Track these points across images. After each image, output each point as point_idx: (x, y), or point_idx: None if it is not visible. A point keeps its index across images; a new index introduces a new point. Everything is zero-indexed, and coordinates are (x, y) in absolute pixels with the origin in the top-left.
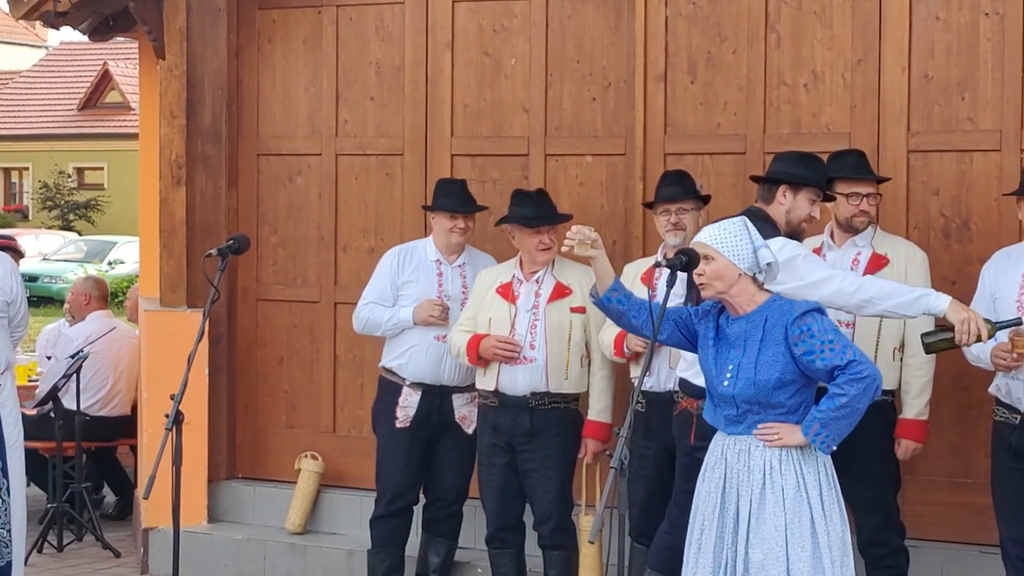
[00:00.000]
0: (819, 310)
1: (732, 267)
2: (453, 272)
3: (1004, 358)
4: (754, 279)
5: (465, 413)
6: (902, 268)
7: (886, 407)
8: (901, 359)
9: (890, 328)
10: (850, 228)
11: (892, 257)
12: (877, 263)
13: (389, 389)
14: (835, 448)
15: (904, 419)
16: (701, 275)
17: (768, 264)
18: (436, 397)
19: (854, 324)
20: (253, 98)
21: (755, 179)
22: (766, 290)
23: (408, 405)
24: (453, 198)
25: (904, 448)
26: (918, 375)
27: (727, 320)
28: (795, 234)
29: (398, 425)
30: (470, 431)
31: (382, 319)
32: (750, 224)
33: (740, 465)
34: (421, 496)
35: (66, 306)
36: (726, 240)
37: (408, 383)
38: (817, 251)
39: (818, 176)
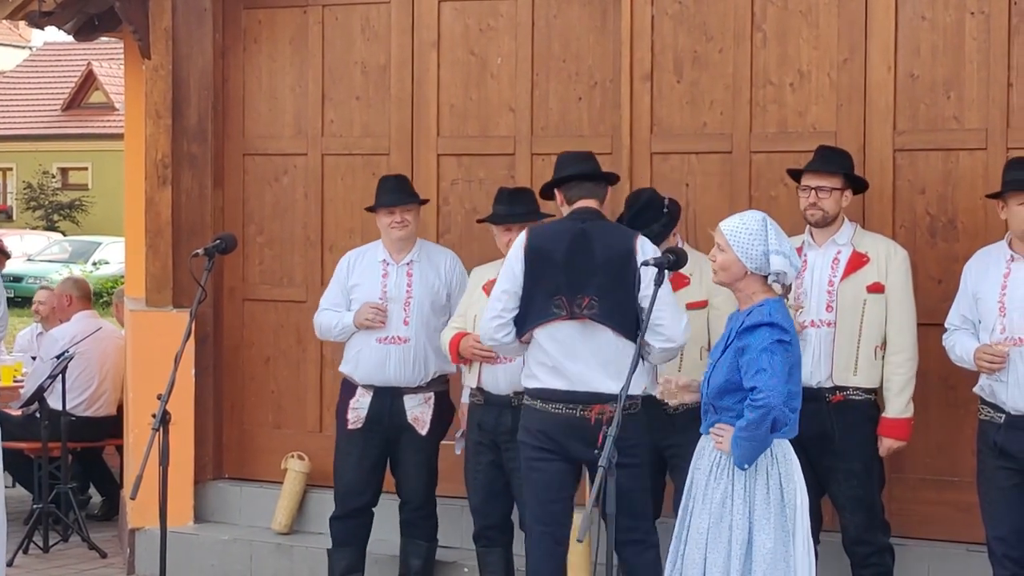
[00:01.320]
0: (772, 324)
1: (739, 263)
2: (399, 271)
3: (988, 360)
4: (764, 279)
5: (418, 414)
6: (882, 266)
7: (869, 406)
8: (883, 357)
9: (871, 326)
10: (806, 221)
11: (872, 255)
12: (857, 261)
13: (346, 390)
14: (747, 466)
15: (886, 417)
16: (714, 260)
17: (780, 272)
18: (387, 398)
19: (835, 323)
20: (239, 98)
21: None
22: (771, 292)
23: (359, 406)
24: (387, 194)
25: (887, 446)
26: (899, 372)
27: (736, 313)
28: None
29: (349, 426)
30: (424, 432)
31: (332, 325)
32: (771, 224)
33: (698, 463)
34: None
35: (36, 306)
36: (740, 235)
37: (361, 385)
38: (798, 251)
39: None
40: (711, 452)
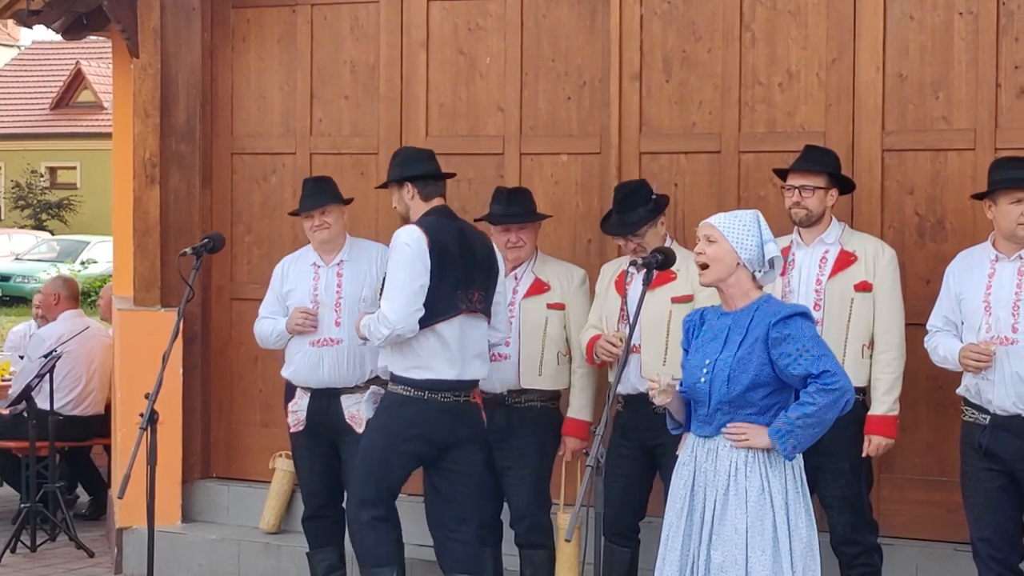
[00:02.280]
0: (805, 314)
1: (733, 254)
2: (330, 273)
3: (975, 359)
4: (752, 276)
5: (354, 412)
6: (870, 265)
7: (857, 405)
8: (870, 356)
9: (859, 325)
10: (792, 221)
11: (860, 254)
12: (845, 260)
13: (288, 394)
14: (799, 454)
15: (873, 415)
16: (701, 254)
17: (773, 261)
18: (324, 399)
19: (822, 321)
20: (227, 97)
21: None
22: (760, 288)
23: (298, 409)
24: (305, 198)
25: (874, 445)
26: (887, 371)
27: (715, 314)
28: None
29: (291, 430)
30: (360, 430)
31: (268, 333)
32: (762, 219)
33: (708, 464)
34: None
35: (35, 308)
36: (734, 227)
37: (300, 387)
38: (786, 250)
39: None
40: (728, 451)
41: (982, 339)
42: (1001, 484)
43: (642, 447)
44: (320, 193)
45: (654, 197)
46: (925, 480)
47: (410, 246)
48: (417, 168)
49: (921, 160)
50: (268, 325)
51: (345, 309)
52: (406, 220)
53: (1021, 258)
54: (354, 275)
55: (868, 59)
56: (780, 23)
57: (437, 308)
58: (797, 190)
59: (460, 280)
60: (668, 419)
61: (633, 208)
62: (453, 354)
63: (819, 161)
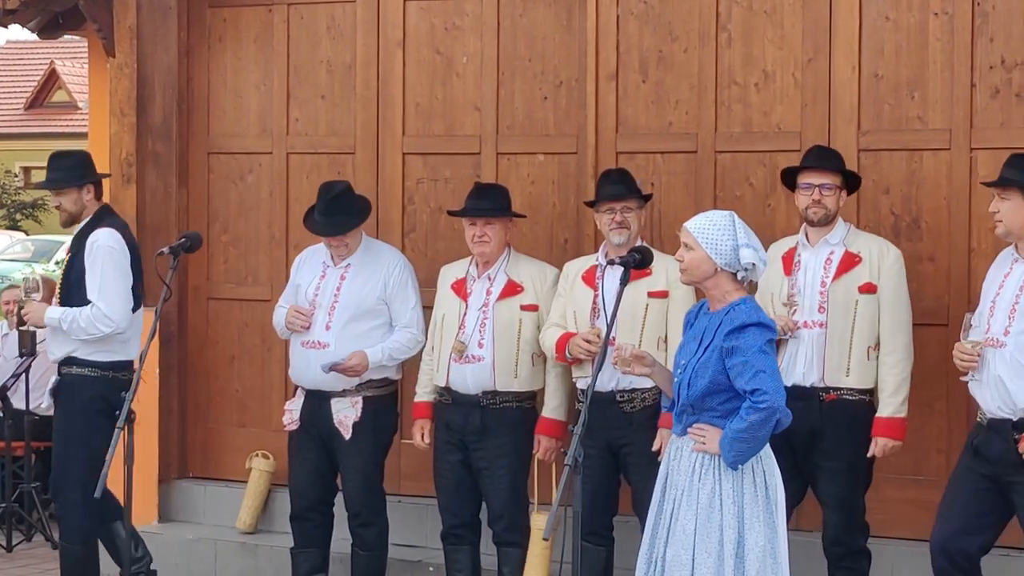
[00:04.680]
0: (760, 325)
1: (709, 260)
2: (335, 274)
3: (959, 359)
4: (735, 276)
5: (342, 418)
6: (875, 266)
7: (863, 406)
8: (877, 357)
9: (863, 327)
10: (807, 220)
11: (865, 255)
12: (849, 262)
13: (292, 392)
14: (740, 466)
15: (880, 417)
16: (680, 260)
17: (751, 264)
18: (316, 401)
19: (826, 324)
20: (204, 96)
21: None
22: (743, 290)
23: (293, 408)
24: (322, 216)
25: (881, 447)
26: (894, 373)
27: (704, 312)
28: None
29: (286, 428)
30: (347, 436)
31: (277, 323)
32: (738, 221)
33: (675, 462)
34: None
35: (4, 308)
36: (708, 232)
37: (297, 386)
38: (792, 250)
39: None
40: (688, 453)
41: (975, 338)
42: (983, 487)
43: (607, 446)
44: (343, 213)
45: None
46: (901, 479)
47: (115, 248)
48: (95, 169)
49: (897, 160)
50: (279, 314)
51: (338, 314)
52: (75, 221)
53: None
54: (358, 280)
55: (844, 59)
56: (756, 23)
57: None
58: (817, 188)
59: (139, 273)
60: (662, 396)
61: (613, 183)
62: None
63: (833, 160)
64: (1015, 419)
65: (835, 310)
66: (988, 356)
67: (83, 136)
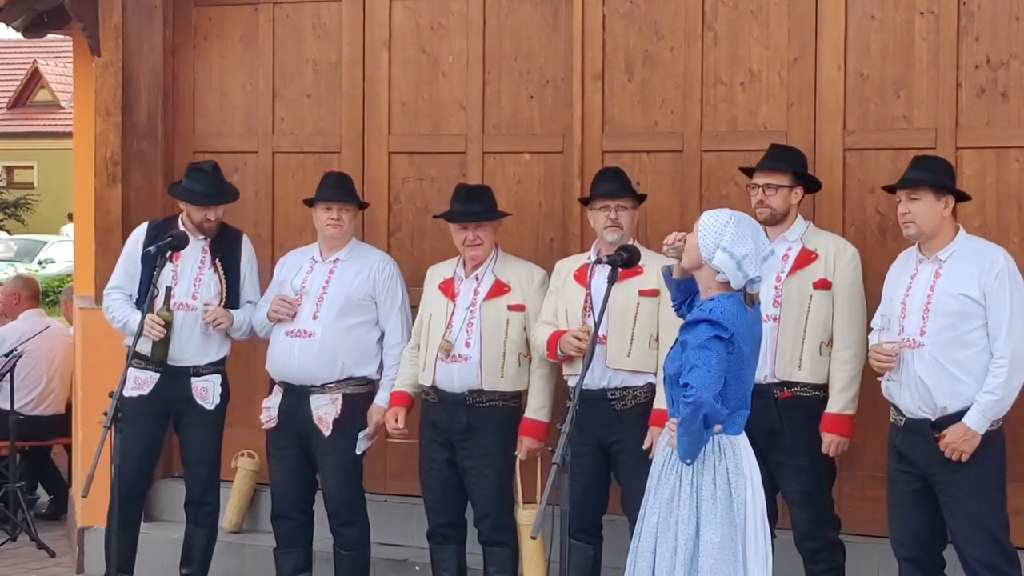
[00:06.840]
0: (709, 322)
1: (697, 249)
2: (323, 268)
3: (877, 360)
4: (717, 273)
5: (321, 415)
6: (831, 263)
7: (818, 402)
8: (829, 353)
9: (816, 322)
10: (757, 220)
11: (821, 252)
12: (806, 258)
13: (269, 390)
14: (690, 461)
15: (828, 413)
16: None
17: (721, 269)
18: (294, 397)
19: (779, 318)
20: (189, 95)
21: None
22: (722, 287)
23: (270, 405)
24: (327, 189)
25: (828, 443)
26: (845, 369)
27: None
28: None
29: (264, 427)
30: (326, 434)
31: (257, 321)
32: (740, 226)
33: (655, 458)
34: None
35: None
36: (706, 224)
37: (276, 382)
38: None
39: None
40: (663, 448)
41: (891, 340)
42: (916, 488)
43: (598, 444)
44: (342, 189)
45: (636, 182)
46: (883, 477)
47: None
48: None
49: (882, 159)
50: (260, 313)
51: (326, 304)
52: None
53: (939, 260)
54: (344, 274)
55: (829, 58)
56: (742, 23)
57: None
58: (761, 188)
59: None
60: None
61: (606, 180)
62: None
63: (784, 159)
64: (934, 419)
65: (788, 305)
66: (906, 357)
67: (67, 135)
